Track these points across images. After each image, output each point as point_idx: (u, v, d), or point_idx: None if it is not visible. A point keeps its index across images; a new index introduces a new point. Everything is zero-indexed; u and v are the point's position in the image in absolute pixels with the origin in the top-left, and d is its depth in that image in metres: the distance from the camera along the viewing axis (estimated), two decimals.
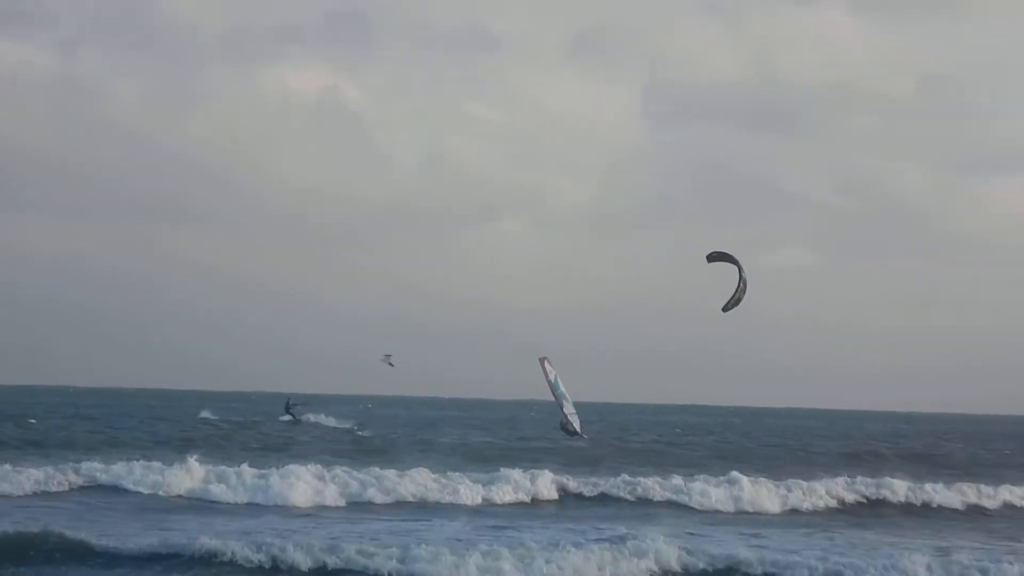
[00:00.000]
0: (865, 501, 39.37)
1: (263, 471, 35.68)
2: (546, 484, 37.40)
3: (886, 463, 54.08)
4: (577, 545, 24.75)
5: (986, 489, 41.02)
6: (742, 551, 25.54)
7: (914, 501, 39.95)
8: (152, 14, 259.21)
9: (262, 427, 68.59)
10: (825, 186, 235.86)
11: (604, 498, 37.34)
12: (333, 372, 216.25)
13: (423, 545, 23.96)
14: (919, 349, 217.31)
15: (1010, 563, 24.90)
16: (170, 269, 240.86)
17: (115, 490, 34.42)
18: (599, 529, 28.92)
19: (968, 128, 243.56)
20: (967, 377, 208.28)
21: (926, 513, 38.55)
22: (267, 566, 23.42)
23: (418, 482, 36.30)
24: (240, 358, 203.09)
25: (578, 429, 66.07)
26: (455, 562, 23.21)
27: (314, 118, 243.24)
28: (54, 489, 33.97)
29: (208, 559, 23.50)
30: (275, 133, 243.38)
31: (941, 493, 40.55)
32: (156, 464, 36.59)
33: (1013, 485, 42.05)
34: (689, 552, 24.80)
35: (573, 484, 38.10)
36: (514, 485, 36.92)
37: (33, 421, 68.30)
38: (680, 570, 24.39)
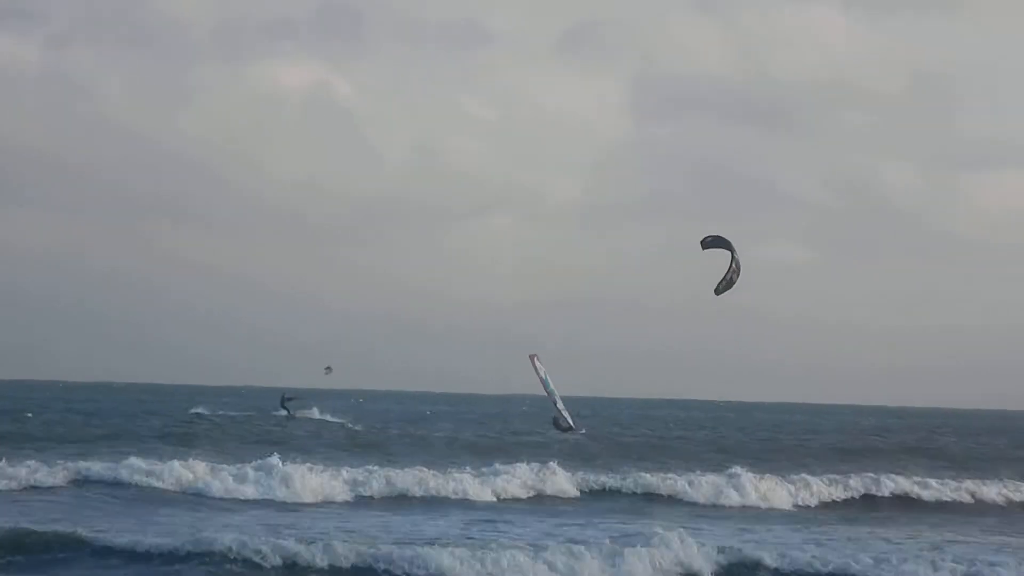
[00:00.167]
0: (884, 496, 39.51)
1: (268, 466, 35.21)
2: (557, 479, 37.15)
3: (885, 458, 54.02)
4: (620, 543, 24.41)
5: (993, 484, 41.05)
6: (774, 550, 25.21)
7: (930, 498, 39.96)
8: (144, 10, 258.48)
9: (257, 422, 68.29)
10: (817, 183, 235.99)
11: (615, 494, 37.23)
12: (323, 366, 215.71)
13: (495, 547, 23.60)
14: (910, 346, 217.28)
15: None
16: (161, 265, 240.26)
17: (117, 485, 34.06)
18: (623, 525, 28.85)
19: (961, 125, 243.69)
20: (957, 373, 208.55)
21: (954, 508, 38.48)
22: (305, 563, 22.94)
23: (421, 477, 36.00)
24: (230, 353, 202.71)
25: (572, 424, 66.03)
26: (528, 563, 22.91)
27: (306, 114, 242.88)
28: (49, 483, 33.49)
29: (237, 558, 22.95)
30: (266, 128, 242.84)
31: (951, 487, 40.55)
32: (161, 460, 36.28)
33: (1021, 481, 42.10)
34: (720, 550, 24.54)
35: (588, 479, 37.93)
36: (522, 481, 36.63)
37: (30, 415, 68.01)
38: (717, 568, 24.16)
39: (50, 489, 32.93)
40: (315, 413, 75.12)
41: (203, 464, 35.25)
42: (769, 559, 24.32)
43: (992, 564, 24.30)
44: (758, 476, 38.50)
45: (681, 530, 24.98)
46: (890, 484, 40.55)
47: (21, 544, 23.45)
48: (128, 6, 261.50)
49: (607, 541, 24.69)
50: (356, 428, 65.98)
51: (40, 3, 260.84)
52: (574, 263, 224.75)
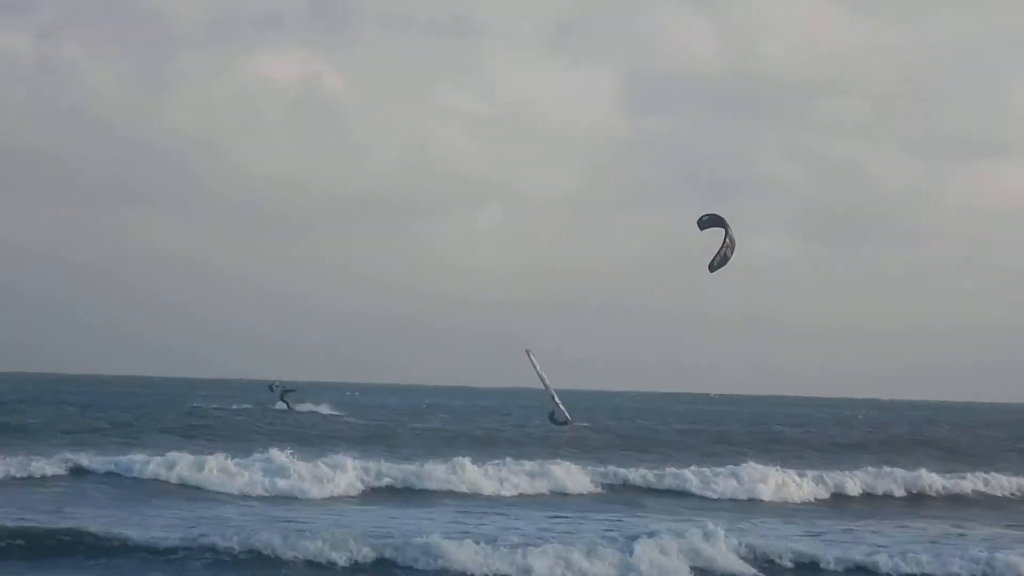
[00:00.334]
0: (902, 491, 39.01)
1: (271, 458, 34.75)
2: (571, 473, 36.61)
3: (893, 450, 53.68)
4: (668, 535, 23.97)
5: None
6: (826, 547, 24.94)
7: (955, 490, 39.50)
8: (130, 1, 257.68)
9: (255, 415, 67.87)
10: (805, 174, 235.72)
11: (629, 488, 36.78)
12: (315, 360, 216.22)
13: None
14: (900, 338, 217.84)
15: None
16: (145, 258, 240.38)
17: (119, 477, 33.76)
18: (637, 519, 28.55)
19: (948, 116, 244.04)
20: (947, 366, 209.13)
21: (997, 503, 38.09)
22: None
23: (430, 470, 35.51)
24: (222, 348, 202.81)
25: (568, 417, 65.94)
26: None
27: (293, 106, 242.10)
28: (49, 474, 33.35)
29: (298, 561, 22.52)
30: (251, 120, 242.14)
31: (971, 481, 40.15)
32: (162, 452, 35.80)
33: None
34: (751, 547, 24.11)
35: (604, 473, 37.48)
36: (534, 474, 36.05)
37: (26, 407, 67.67)
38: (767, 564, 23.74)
39: (50, 479, 32.73)
40: (312, 407, 74.82)
41: (211, 458, 34.71)
42: (818, 556, 23.96)
43: None
44: (779, 469, 38.10)
45: (711, 525, 24.47)
46: (924, 477, 39.85)
47: (76, 547, 22.97)
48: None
49: (627, 537, 24.22)
50: (359, 421, 65.65)
51: None
52: (564, 257, 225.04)
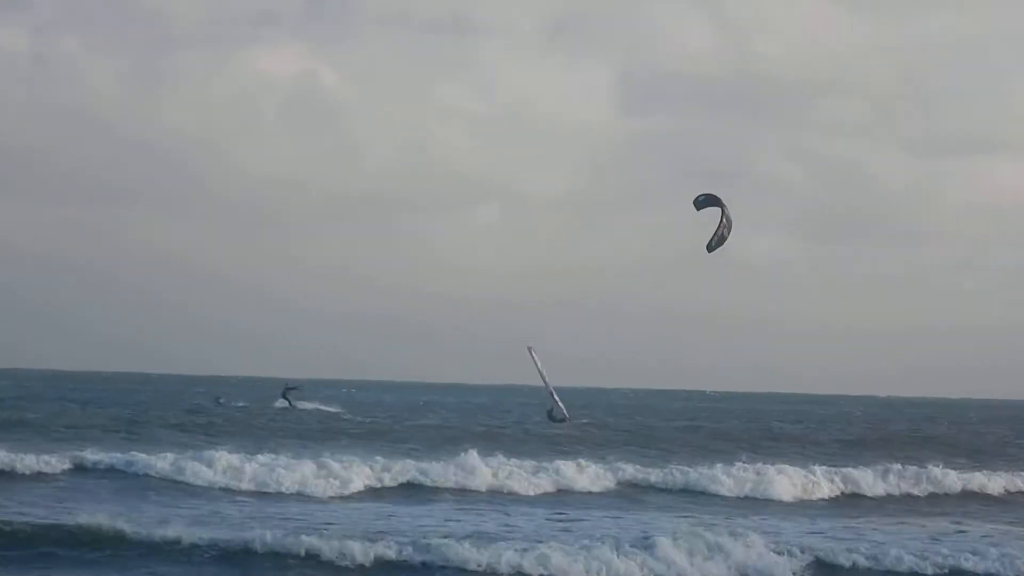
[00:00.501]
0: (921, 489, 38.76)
1: (300, 455, 34.63)
2: (584, 472, 36.30)
3: (894, 447, 53.48)
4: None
5: None
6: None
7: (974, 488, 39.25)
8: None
9: (258, 413, 67.63)
10: (805, 174, 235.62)
11: (644, 488, 36.45)
12: (315, 360, 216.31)
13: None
14: (898, 336, 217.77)
15: None
16: (144, 258, 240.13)
17: (118, 473, 33.55)
18: (658, 518, 28.30)
19: (948, 116, 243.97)
20: (946, 366, 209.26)
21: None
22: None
23: (440, 468, 35.22)
24: (216, 346, 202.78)
25: (566, 415, 65.91)
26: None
27: (292, 105, 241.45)
28: (55, 471, 33.12)
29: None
30: (250, 119, 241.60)
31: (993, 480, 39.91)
32: (170, 450, 35.59)
33: None
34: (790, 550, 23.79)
35: (616, 472, 37.09)
36: (565, 474, 35.81)
37: (27, 404, 67.42)
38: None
39: (51, 475, 32.63)
40: (312, 404, 74.76)
41: (212, 454, 34.55)
42: (855, 558, 23.67)
43: None
44: (801, 469, 37.82)
45: (748, 530, 24.23)
46: (939, 474, 39.58)
47: (100, 544, 22.80)
48: None
49: (645, 535, 23.98)
50: (358, 419, 65.35)
51: None
52: (563, 256, 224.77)
